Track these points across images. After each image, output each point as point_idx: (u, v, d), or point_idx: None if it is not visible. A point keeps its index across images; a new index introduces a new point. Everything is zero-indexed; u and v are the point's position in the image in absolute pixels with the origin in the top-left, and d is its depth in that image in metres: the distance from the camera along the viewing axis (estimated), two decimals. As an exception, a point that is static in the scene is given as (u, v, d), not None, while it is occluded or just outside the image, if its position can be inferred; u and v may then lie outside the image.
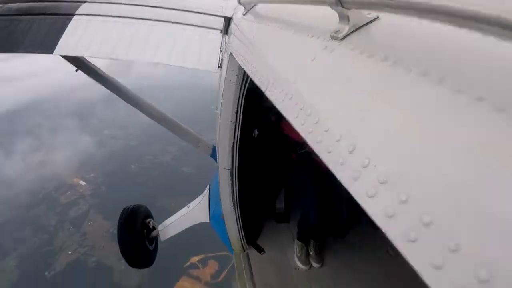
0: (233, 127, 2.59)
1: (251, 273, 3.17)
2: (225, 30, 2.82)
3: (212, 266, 31.39)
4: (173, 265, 30.64)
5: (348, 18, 0.92)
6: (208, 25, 2.80)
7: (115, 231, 4.47)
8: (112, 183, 44.95)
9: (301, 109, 0.93)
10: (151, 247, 5.06)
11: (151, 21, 2.67)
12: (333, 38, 0.97)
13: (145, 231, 4.95)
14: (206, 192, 4.71)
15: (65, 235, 38.38)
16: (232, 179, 2.85)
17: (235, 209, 3.03)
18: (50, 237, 38.22)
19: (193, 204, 4.92)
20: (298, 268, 3.25)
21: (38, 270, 34.01)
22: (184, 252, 31.86)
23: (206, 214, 4.51)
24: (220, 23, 2.86)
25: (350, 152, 0.66)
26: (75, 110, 66.31)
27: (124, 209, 4.93)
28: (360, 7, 0.84)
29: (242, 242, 3.28)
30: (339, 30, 0.95)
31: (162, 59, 2.44)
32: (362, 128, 0.67)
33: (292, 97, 1.03)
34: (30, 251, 36.51)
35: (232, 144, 2.69)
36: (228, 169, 2.80)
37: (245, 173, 3.14)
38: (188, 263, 31.70)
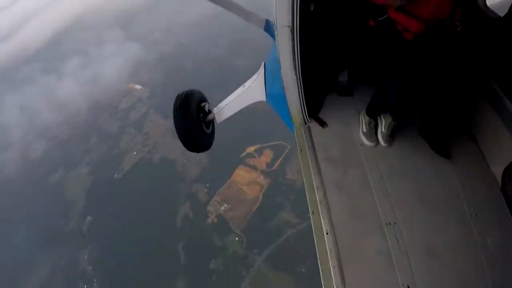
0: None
1: (313, 147, 3.05)
2: None
3: (268, 155, 33.34)
4: (230, 155, 32.99)
5: None
6: None
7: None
8: (166, 82, 46.23)
9: None
10: (208, 131, 5.14)
11: None
12: None
13: (201, 115, 4.98)
14: (261, 70, 4.47)
15: (128, 138, 41.86)
16: (293, 39, 2.50)
17: (296, 76, 2.75)
18: (114, 142, 41.87)
19: (248, 83, 4.76)
20: (363, 144, 3.06)
21: (108, 173, 38.24)
22: (240, 142, 33.87)
23: (262, 92, 4.35)
24: None
25: None
26: (116, 21, 65.35)
27: (178, 95, 4.89)
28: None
29: (304, 114, 3.09)
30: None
31: None
32: None
33: None
34: (98, 157, 40.69)
35: None
36: (289, 27, 2.42)
37: (308, 35, 2.76)
38: (244, 153, 33.86)
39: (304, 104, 3.04)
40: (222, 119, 5.08)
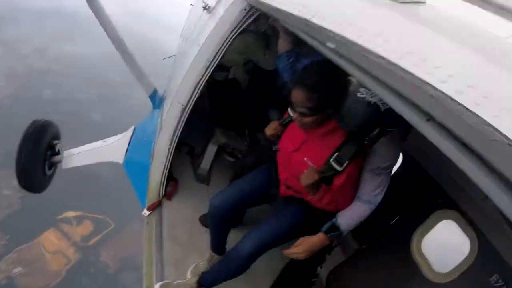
0: (207, 65, 2.53)
1: (161, 222, 3.10)
2: None
3: (86, 227, 28.45)
4: (46, 211, 27.11)
5: None
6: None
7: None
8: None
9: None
10: (48, 172, 4.53)
11: None
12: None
13: (49, 152, 4.43)
14: (128, 133, 4.43)
15: None
16: (181, 117, 2.74)
17: (169, 150, 2.90)
18: None
19: (110, 140, 4.58)
20: None
21: None
22: (63, 201, 28.27)
23: (121, 155, 4.24)
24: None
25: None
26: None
27: (35, 120, 4.33)
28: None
29: (161, 187, 3.15)
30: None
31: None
32: None
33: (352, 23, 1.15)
34: None
35: (197, 82, 2.61)
36: (182, 105, 2.69)
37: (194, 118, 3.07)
38: (62, 216, 28.40)
39: (166, 178, 3.13)
40: (68, 166, 4.60)
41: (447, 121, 0.81)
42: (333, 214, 2.14)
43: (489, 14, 0.82)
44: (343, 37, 1.15)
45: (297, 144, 2.21)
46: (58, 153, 4.52)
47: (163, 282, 2.55)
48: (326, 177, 2.06)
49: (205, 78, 2.57)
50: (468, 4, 0.90)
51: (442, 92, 0.79)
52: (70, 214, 29.13)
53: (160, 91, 4.74)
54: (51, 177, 4.66)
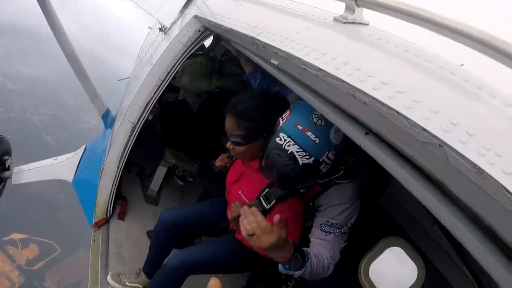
0: (159, 84, 2.60)
1: (108, 240, 3.03)
2: None
3: (32, 251, 26.16)
4: None
5: (354, 12, 1.21)
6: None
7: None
8: None
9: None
10: None
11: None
12: (336, 20, 1.27)
13: None
14: (79, 151, 4.36)
15: None
16: (131, 135, 2.76)
17: (118, 167, 2.88)
18: None
19: (60, 158, 4.49)
20: None
21: None
22: (11, 222, 25.94)
23: (71, 173, 4.17)
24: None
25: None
26: None
27: None
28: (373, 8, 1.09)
29: (109, 205, 3.09)
30: (343, 17, 1.25)
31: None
32: None
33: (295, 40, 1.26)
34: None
35: (148, 101, 2.66)
36: (133, 123, 2.71)
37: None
38: (8, 237, 25.88)
39: (114, 196, 3.09)
40: (18, 182, 4.46)
41: (380, 127, 0.87)
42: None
43: (426, 31, 0.91)
44: (285, 53, 1.24)
45: (236, 176, 2.18)
46: (8, 168, 4.42)
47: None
48: None
49: (156, 96, 2.63)
50: (409, 25, 0.99)
51: (374, 98, 0.84)
52: (16, 236, 26.88)
53: (113, 112, 4.72)
54: (0, 192, 4.54)
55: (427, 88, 0.84)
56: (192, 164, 3.68)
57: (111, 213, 3.17)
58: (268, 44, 1.37)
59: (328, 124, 1.54)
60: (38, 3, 3.43)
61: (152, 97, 2.64)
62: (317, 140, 1.54)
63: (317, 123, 1.55)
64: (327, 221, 1.77)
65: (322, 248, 1.72)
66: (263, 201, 1.88)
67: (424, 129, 0.71)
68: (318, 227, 1.79)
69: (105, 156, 3.53)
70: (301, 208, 1.95)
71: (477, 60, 0.76)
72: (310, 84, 1.16)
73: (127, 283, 2.59)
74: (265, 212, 1.83)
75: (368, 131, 0.96)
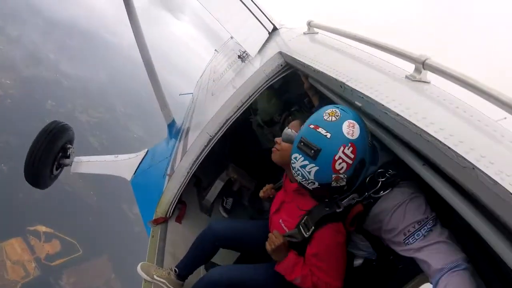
0: (240, 106, 2.94)
1: (165, 238, 3.24)
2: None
3: (54, 247, 26.96)
4: (20, 218, 25.80)
5: (420, 73, 1.65)
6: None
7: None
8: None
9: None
10: (55, 172, 4.78)
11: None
12: (407, 77, 1.71)
13: (60, 153, 4.71)
14: (141, 153, 4.75)
15: None
16: (206, 146, 3.07)
17: (188, 173, 3.18)
18: None
19: (121, 157, 4.88)
20: None
21: None
22: (41, 214, 27.06)
23: (131, 172, 4.51)
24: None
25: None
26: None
27: (55, 121, 4.69)
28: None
29: (171, 206, 3.35)
30: (412, 76, 1.69)
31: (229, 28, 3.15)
32: None
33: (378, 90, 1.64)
34: None
35: (228, 118, 2.99)
36: (210, 136, 3.03)
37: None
38: (32, 228, 27.01)
39: (177, 199, 3.36)
40: (75, 171, 4.84)
41: (436, 157, 1.27)
42: None
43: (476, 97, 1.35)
44: (370, 98, 1.61)
45: (277, 205, 2.23)
46: (68, 157, 4.79)
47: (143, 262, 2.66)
48: (296, 244, 1.93)
49: (236, 116, 2.97)
50: (462, 89, 1.40)
51: (435, 137, 1.25)
52: (42, 228, 27.98)
53: (178, 123, 5.14)
54: (55, 177, 4.88)
55: (466, 132, 1.27)
56: (252, 181, 3.91)
57: (170, 214, 3.43)
58: (356, 90, 1.73)
59: (340, 120, 1.61)
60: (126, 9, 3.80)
61: (232, 116, 2.98)
62: (329, 135, 1.58)
63: (327, 119, 1.63)
64: (407, 229, 1.62)
65: (438, 258, 1.52)
66: (302, 230, 1.88)
67: (464, 158, 1.13)
68: (404, 242, 1.63)
69: (170, 161, 3.87)
70: (343, 233, 1.87)
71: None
72: (385, 123, 1.56)
73: (155, 276, 2.60)
74: (305, 241, 1.89)
75: (425, 162, 1.43)
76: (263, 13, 3.59)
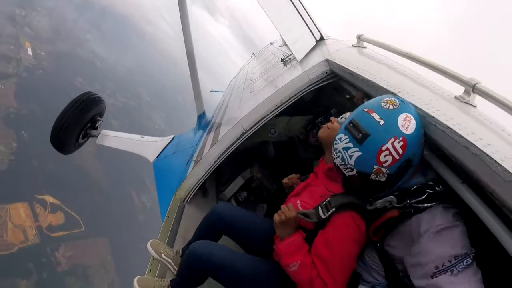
0: (279, 105, 3.00)
1: (179, 222, 3.28)
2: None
3: (57, 219, 27.60)
4: (30, 183, 26.61)
5: (469, 95, 1.70)
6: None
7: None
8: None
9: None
10: (80, 141, 4.93)
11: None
12: (456, 98, 1.76)
13: (89, 124, 4.87)
14: (167, 138, 4.85)
15: None
16: (238, 139, 3.12)
17: (215, 162, 3.22)
18: None
19: (147, 138, 5.00)
20: None
21: None
22: (51, 184, 27.76)
23: (154, 154, 4.61)
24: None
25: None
26: None
27: (89, 92, 4.87)
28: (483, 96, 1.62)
29: (191, 192, 3.39)
30: (462, 97, 1.74)
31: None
32: None
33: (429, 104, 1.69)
34: None
35: (264, 116, 3.04)
36: (244, 130, 3.09)
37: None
38: (41, 196, 27.72)
39: (199, 186, 3.41)
40: (101, 143, 5.00)
41: (480, 171, 1.30)
42: None
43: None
44: (422, 111, 1.63)
45: (299, 189, 2.21)
46: (96, 128, 4.96)
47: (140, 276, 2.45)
48: (307, 230, 1.86)
49: (273, 114, 3.02)
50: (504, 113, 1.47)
51: (482, 151, 1.29)
52: (49, 199, 28.59)
53: (208, 112, 5.26)
54: (80, 145, 5.06)
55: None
56: (272, 184, 3.93)
57: (189, 200, 3.49)
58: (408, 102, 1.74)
59: (397, 110, 1.51)
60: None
61: (269, 114, 3.03)
62: (382, 122, 1.48)
63: (384, 106, 1.53)
64: (441, 262, 1.40)
65: None
66: (320, 210, 1.77)
67: (509, 172, 1.17)
68: (432, 275, 1.41)
69: (197, 149, 3.94)
70: (363, 233, 1.72)
71: None
72: (432, 136, 1.58)
73: (162, 255, 2.58)
74: (318, 227, 1.79)
75: (463, 180, 1.46)
76: (312, 21, 3.67)
